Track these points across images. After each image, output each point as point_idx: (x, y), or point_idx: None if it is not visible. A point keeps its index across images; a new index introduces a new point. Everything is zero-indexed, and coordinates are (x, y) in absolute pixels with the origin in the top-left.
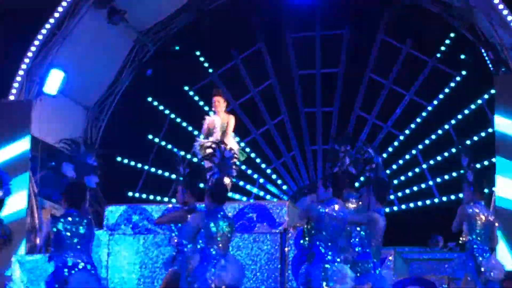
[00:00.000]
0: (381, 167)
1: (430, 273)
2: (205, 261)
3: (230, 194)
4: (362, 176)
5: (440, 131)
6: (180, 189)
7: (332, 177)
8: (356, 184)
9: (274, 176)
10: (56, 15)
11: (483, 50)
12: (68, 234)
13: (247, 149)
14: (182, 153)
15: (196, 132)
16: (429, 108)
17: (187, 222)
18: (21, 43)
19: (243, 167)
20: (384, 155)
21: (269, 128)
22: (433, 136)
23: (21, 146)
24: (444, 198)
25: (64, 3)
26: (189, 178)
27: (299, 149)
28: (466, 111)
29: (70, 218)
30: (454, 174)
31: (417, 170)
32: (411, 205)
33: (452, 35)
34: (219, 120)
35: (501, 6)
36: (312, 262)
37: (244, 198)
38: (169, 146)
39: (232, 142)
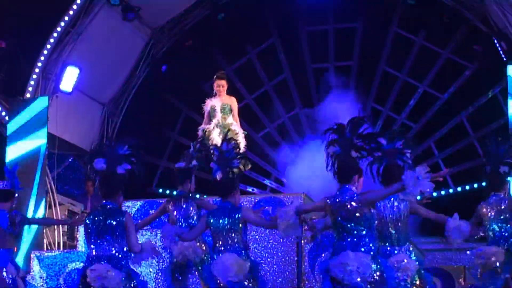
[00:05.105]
0: (394, 152)
1: (446, 263)
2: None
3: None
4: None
5: (454, 122)
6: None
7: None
8: None
9: None
10: (71, 12)
11: (496, 41)
12: None
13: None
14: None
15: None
16: (443, 99)
17: None
18: (36, 41)
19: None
20: None
21: (284, 122)
22: (447, 127)
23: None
24: (459, 189)
25: (78, 1)
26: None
27: None
28: (480, 102)
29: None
30: (468, 164)
31: (431, 161)
32: None
33: (465, 26)
34: (219, 102)
35: None
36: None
37: (259, 191)
38: (185, 141)
39: (237, 127)
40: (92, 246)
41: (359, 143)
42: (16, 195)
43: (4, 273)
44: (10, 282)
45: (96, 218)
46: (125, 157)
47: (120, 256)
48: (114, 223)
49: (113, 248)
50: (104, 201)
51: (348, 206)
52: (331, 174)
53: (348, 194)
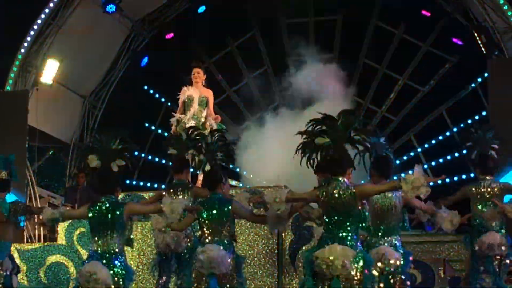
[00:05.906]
0: (381, 146)
1: (425, 256)
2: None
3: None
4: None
5: (434, 115)
6: None
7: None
8: None
9: None
10: (51, 4)
11: (476, 34)
12: None
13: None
14: None
15: None
16: (423, 92)
17: None
18: (16, 34)
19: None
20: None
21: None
22: (427, 120)
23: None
24: (439, 181)
25: None
26: None
27: None
28: (460, 95)
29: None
30: (448, 157)
31: (411, 154)
32: None
33: (445, 19)
34: (197, 92)
35: None
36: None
37: (241, 184)
38: (166, 134)
39: (212, 120)
40: (94, 241)
41: (355, 136)
42: None
43: None
44: (4, 276)
45: (98, 213)
46: (118, 153)
47: (117, 252)
48: (116, 217)
49: (113, 244)
50: (102, 196)
51: (342, 199)
52: (305, 163)
53: (342, 187)
